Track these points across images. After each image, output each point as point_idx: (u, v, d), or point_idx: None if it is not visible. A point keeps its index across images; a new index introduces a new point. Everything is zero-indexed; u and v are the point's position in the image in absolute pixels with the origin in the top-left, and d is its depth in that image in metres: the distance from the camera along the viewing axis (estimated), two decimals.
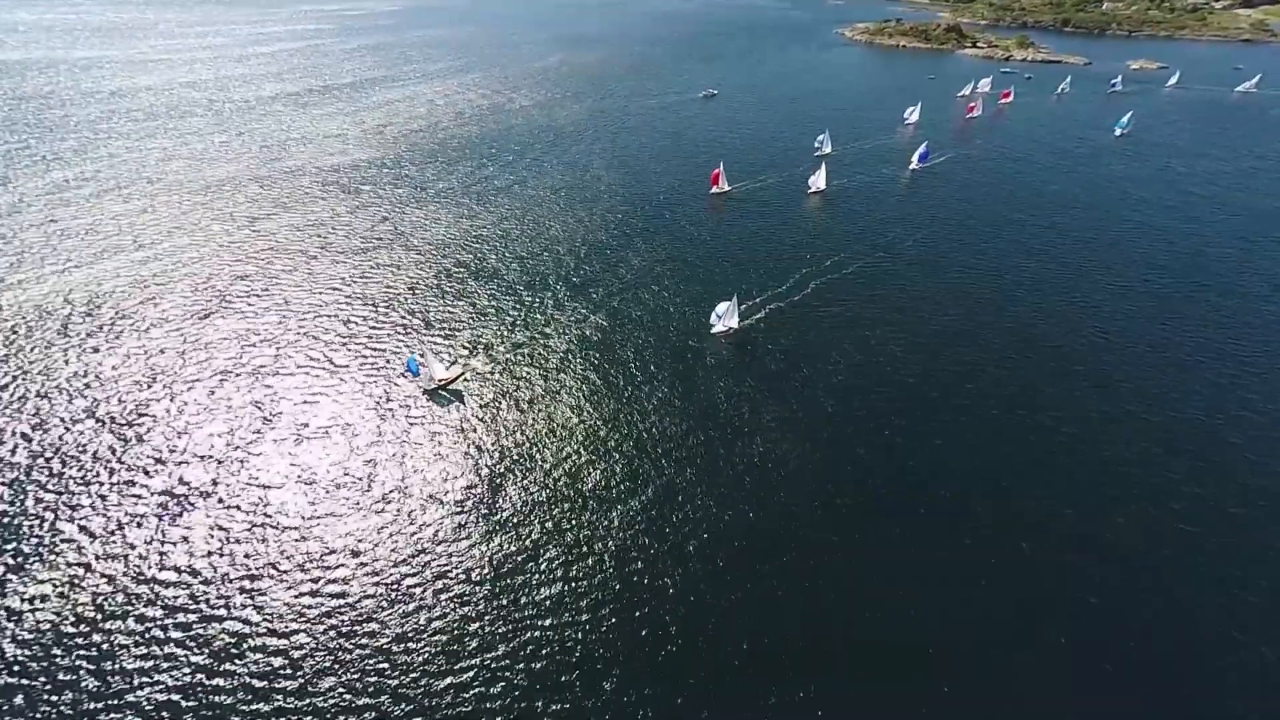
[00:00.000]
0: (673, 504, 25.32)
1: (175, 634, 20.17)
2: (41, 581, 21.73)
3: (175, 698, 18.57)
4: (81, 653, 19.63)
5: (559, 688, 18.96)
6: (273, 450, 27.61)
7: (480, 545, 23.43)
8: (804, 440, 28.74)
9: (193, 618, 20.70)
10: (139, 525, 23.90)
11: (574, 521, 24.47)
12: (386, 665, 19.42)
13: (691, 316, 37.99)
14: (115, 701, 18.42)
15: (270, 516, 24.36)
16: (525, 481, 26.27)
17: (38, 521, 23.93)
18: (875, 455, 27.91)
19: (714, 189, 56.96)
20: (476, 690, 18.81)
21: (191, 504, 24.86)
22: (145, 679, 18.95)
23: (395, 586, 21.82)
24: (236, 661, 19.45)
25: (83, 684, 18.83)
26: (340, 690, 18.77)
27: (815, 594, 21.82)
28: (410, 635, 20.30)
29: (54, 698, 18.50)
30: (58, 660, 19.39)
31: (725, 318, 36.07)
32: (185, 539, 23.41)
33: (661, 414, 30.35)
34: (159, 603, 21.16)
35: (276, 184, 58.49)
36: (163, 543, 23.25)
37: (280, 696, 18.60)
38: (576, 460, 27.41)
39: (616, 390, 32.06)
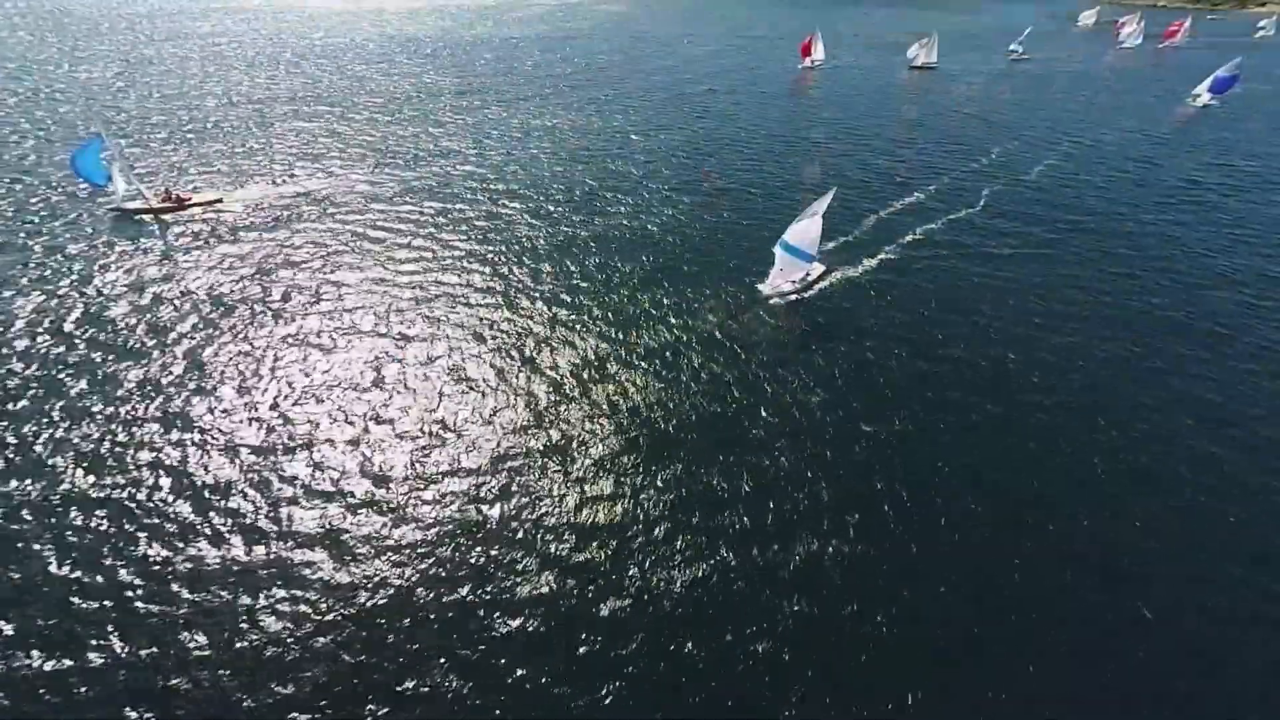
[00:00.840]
0: (665, 490, 24.84)
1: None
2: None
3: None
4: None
5: (538, 690, 18.29)
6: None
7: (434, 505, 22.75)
8: (842, 429, 28.33)
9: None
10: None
11: (558, 507, 23.79)
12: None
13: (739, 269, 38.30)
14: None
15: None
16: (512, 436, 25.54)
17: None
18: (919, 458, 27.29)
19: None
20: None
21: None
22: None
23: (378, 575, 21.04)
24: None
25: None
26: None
27: (817, 592, 21.41)
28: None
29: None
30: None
31: (788, 272, 37.11)
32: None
33: (691, 381, 30.56)
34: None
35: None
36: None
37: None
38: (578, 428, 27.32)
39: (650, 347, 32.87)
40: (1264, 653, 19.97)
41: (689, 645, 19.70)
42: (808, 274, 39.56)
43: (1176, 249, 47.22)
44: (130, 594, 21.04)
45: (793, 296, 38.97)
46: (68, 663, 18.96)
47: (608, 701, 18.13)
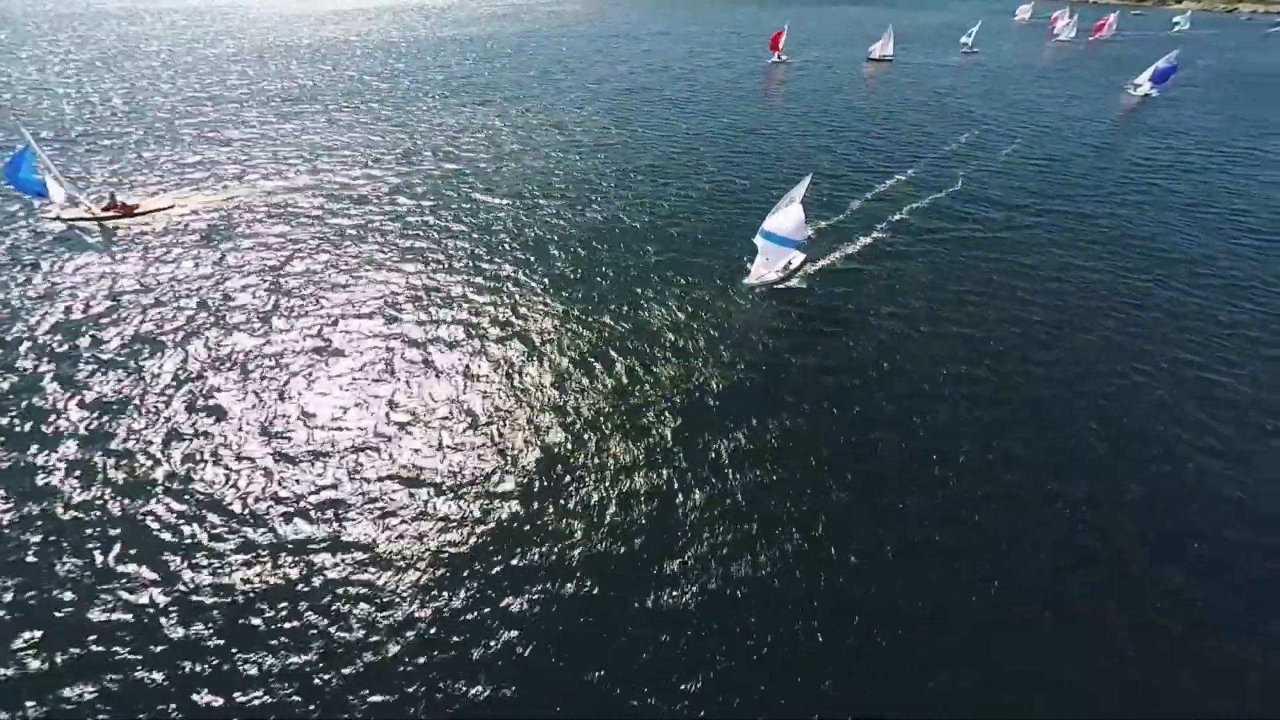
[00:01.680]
0: (660, 487, 23.88)
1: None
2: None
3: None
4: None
5: (586, 687, 17.25)
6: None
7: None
8: (825, 417, 27.81)
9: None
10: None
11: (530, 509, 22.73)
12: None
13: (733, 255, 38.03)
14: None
15: None
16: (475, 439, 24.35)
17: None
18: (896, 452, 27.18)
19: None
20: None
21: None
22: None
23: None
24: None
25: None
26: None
27: (825, 575, 20.95)
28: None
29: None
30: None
31: (772, 261, 36.26)
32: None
33: (663, 361, 28.92)
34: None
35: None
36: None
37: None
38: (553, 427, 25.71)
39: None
40: (1264, 621, 20.20)
41: (710, 636, 19.09)
42: (790, 262, 39.25)
43: (1144, 225, 49.42)
44: (150, 614, 19.46)
45: (779, 285, 38.69)
46: (94, 689, 17.36)
47: (584, 699, 17.51)
